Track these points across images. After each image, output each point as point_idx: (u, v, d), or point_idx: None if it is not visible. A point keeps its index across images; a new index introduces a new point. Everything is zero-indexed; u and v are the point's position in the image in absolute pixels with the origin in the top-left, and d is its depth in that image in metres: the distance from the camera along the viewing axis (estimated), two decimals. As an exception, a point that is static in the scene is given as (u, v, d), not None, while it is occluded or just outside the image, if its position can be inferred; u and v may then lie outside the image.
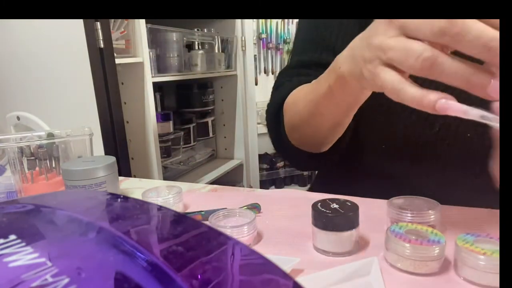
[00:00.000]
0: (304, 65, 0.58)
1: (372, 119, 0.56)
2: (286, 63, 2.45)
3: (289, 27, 2.19)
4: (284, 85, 0.58)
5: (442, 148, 0.52)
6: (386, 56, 0.32)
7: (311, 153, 0.57)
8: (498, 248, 0.33)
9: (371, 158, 0.59)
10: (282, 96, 0.56)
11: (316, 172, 0.79)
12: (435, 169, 0.54)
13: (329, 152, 0.56)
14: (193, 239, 0.20)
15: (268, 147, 2.19)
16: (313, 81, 0.50)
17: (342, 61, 0.40)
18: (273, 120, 0.59)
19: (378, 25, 0.33)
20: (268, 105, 0.62)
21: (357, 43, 0.37)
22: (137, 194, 0.61)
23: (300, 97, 0.52)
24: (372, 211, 0.49)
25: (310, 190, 0.70)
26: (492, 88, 0.27)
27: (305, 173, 2.26)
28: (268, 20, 2.14)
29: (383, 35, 0.32)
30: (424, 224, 0.39)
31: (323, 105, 0.46)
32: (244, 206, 0.50)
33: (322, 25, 0.58)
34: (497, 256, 0.32)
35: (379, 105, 0.53)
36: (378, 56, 0.33)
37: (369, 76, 0.34)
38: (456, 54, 0.29)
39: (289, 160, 0.65)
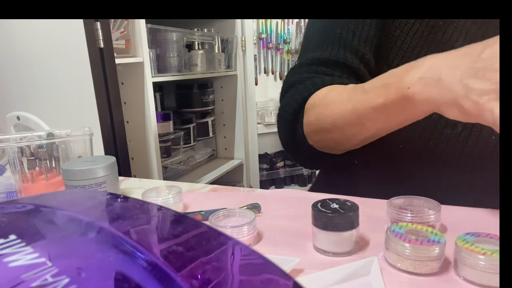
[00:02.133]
0: (321, 62, 0.55)
1: None
2: (286, 63, 2.43)
3: (289, 27, 2.19)
4: (304, 83, 0.55)
5: (463, 149, 0.50)
6: None
7: (327, 154, 0.55)
8: (498, 248, 0.33)
9: (388, 158, 0.57)
10: (304, 96, 0.53)
11: (318, 172, 0.77)
12: (452, 170, 0.52)
13: (347, 153, 0.54)
14: (193, 239, 0.20)
15: (268, 147, 2.19)
16: (354, 88, 0.47)
17: (414, 82, 0.38)
18: (289, 120, 0.56)
19: (496, 61, 0.32)
20: (284, 104, 0.57)
21: (450, 70, 0.35)
22: (137, 194, 0.61)
23: (335, 101, 0.49)
24: (372, 211, 0.49)
25: (312, 190, 0.69)
26: None
27: (305, 173, 2.26)
28: (268, 20, 2.14)
29: None
30: (424, 224, 0.39)
31: (370, 118, 0.45)
32: (244, 206, 0.50)
33: (337, 22, 0.55)
34: (497, 256, 0.32)
35: None
36: (496, 92, 0.32)
37: (474, 109, 0.33)
38: None
39: (300, 159, 0.62)
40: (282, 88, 0.60)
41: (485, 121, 0.33)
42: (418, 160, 0.54)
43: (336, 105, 0.48)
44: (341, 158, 0.55)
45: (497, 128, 0.32)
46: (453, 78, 0.35)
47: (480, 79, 0.33)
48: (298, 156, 0.61)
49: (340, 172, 0.66)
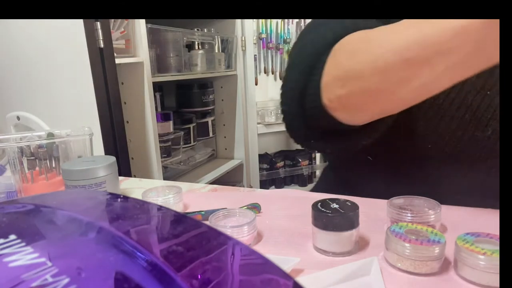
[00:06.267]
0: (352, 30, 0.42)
1: (423, 117, 0.50)
2: (286, 63, 2.44)
3: (289, 27, 2.19)
4: (342, 23, 0.42)
5: (489, 153, 0.49)
6: None
7: (341, 127, 0.42)
8: (498, 248, 0.33)
9: (412, 157, 0.54)
10: (338, 33, 0.40)
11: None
12: (476, 173, 0.51)
13: (366, 132, 0.43)
14: (193, 239, 0.20)
15: (268, 147, 2.19)
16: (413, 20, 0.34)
17: None
18: (308, 63, 0.41)
19: None
20: (306, 42, 0.44)
21: None
22: (137, 194, 0.61)
23: (384, 32, 0.36)
24: (372, 211, 0.49)
25: (314, 190, 0.67)
26: None
27: (305, 173, 2.26)
28: (268, 20, 2.14)
29: None
30: (424, 224, 0.39)
31: (443, 49, 0.31)
32: (244, 206, 0.50)
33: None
34: (497, 256, 0.32)
35: (432, 102, 0.49)
36: None
37: None
38: None
39: (299, 133, 0.48)
40: (302, 32, 0.47)
41: None
42: (443, 161, 0.52)
43: (387, 36, 0.35)
44: (348, 140, 0.45)
45: None
46: None
47: None
48: (299, 127, 0.46)
49: (345, 171, 0.65)
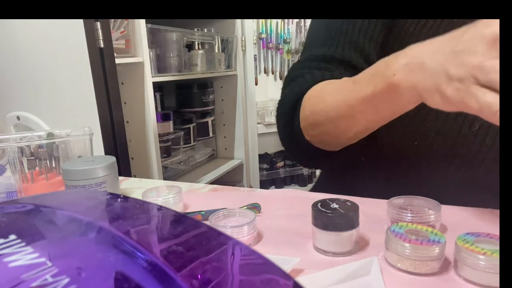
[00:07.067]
0: (324, 59, 0.54)
1: (406, 115, 0.51)
2: (286, 63, 2.42)
3: (289, 27, 2.18)
4: (304, 76, 0.54)
5: (479, 148, 0.49)
6: (488, 78, 0.29)
7: (325, 151, 0.54)
8: (498, 248, 0.33)
9: (401, 156, 0.55)
10: (302, 89, 0.52)
11: (318, 172, 0.77)
12: (465, 170, 0.51)
13: (345, 150, 0.53)
14: (193, 239, 0.20)
15: (268, 147, 2.19)
16: (347, 80, 0.47)
17: (399, 69, 0.37)
18: (287, 113, 0.55)
19: (476, 43, 0.30)
20: (284, 96, 0.57)
21: (432, 55, 0.34)
22: (137, 194, 0.61)
23: (329, 93, 0.48)
24: (372, 211, 0.49)
25: (313, 190, 0.68)
26: None
27: (305, 173, 2.26)
28: (268, 20, 2.14)
29: (483, 55, 0.30)
30: (424, 224, 0.39)
31: (359, 110, 0.43)
32: (244, 206, 0.50)
33: (342, 19, 0.55)
34: (497, 256, 0.32)
35: None
36: (474, 76, 0.30)
37: (456, 96, 0.32)
38: None
39: (298, 157, 0.62)
40: (284, 82, 0.59)
41: (469, 109, 0.31)
42: (432, 159, 0.53)
43: (329, 97, 0.47)
44: (339, 157, 0.54)
45: (484, 116, 0.30)
46: (435, 63, 0.33)
47: (459, 62, 0.31)
48: (296, 153, 0.60)
49: (343, 172, 0.65)
